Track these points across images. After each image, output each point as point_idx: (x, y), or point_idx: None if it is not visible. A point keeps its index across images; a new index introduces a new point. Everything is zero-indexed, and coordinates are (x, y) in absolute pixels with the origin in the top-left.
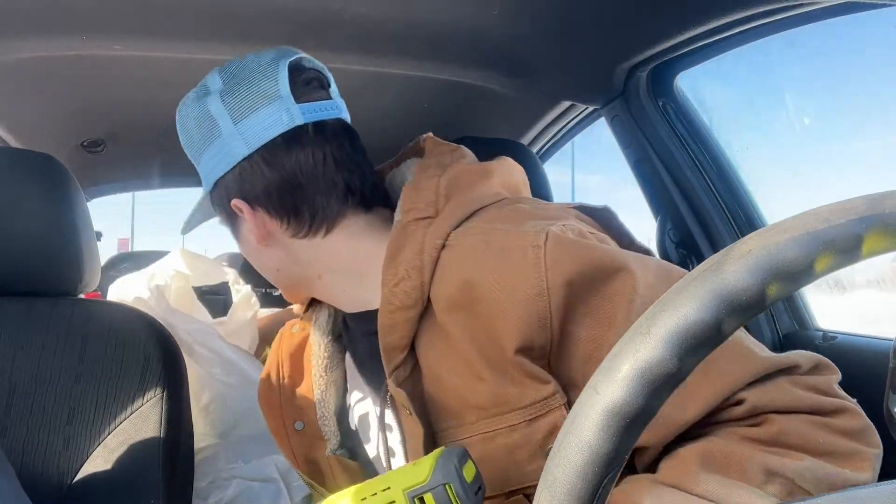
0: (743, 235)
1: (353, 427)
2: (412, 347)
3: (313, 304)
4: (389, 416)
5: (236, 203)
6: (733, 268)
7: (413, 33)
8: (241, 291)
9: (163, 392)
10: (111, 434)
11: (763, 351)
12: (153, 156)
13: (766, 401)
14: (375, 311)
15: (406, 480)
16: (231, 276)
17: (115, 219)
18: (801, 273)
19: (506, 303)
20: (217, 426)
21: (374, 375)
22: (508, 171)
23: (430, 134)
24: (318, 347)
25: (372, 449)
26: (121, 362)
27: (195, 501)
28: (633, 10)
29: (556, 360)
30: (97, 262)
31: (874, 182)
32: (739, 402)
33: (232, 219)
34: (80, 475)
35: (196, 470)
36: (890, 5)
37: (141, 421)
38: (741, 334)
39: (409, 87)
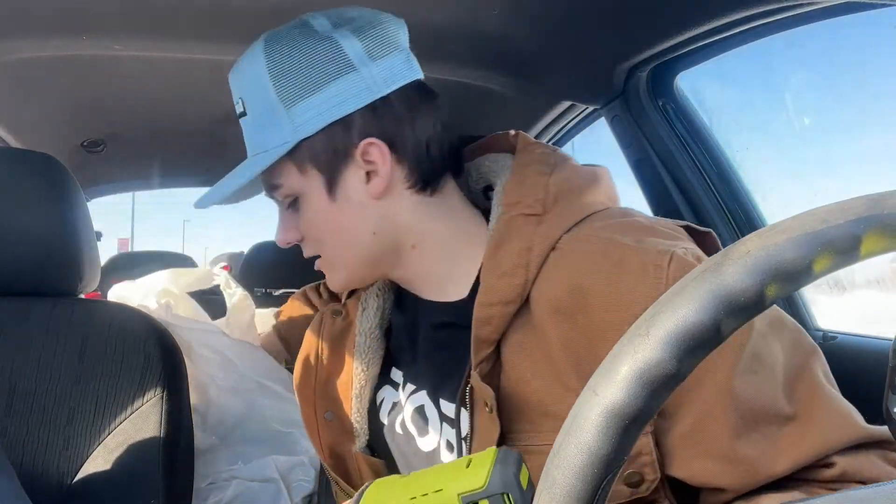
0: (743, 235)
1: (383, 422)
2: (497, 343)
3: (354, 293)
4: (456, 411)
5: (370, 142)
6: (732, 268)
7: (413, 33)
8: (235, 295)
9: (163, 392)
10: (111, 434)
11: (860, 418)
12: (153, 156)
13: (856, 469)
14: (452, 303)
15: (461, 484)
16: (222, 279)
17: (115, 219)
18: (800, 274)
19: (615, 317)
20: (217, 429)
21: (439, 368)
22: (610, 180)
23: (520, 131)
24: (363, 339)
25: (428, 443)
26: (121, 362)
27: (195, 502)
28: (633, 10)
29: None
30: (97, 262)
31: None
32: (830, 465)
33: (334, 166)
34: (80, 475)
35: (196, 470)
36: (890, 5)
37: (141, 421)
38: (838, 395)
39: None
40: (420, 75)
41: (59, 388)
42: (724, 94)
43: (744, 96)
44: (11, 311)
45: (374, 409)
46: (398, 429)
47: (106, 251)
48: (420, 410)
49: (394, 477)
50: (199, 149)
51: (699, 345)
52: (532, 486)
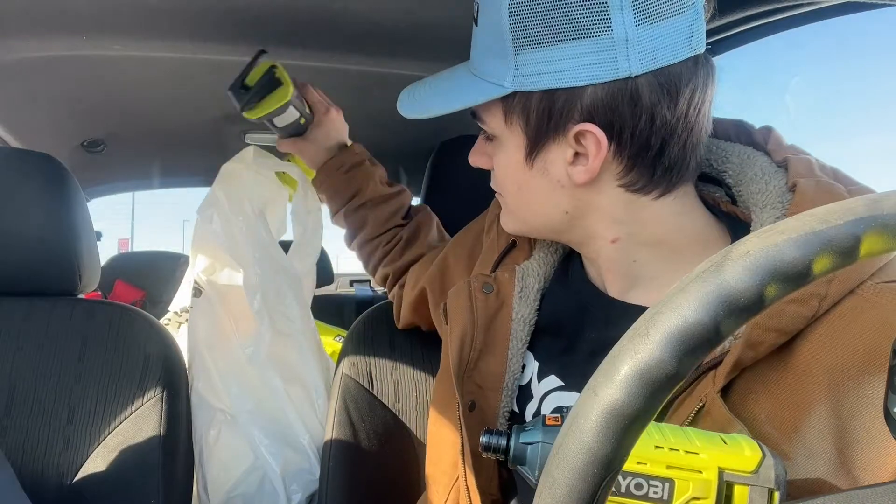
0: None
1: (526, 416)
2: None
3: (506, 262)
4: None
5: (588, 129)
6: (732, 268)
7: (413, 33)
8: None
9: (163, 392)
10: (111, 434)
11: None
12: (153, 156)
13: None
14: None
15: (726, 459)
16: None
17: (115, 219)
18: (800, 274)
19: None
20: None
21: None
22: None
23: (770, 127)
24: (521, 325)
25: None
26: (121, 362)
27: (195, 500)
28: None
29: None
30: (97, 262)
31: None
32: None
33: (541, 134)
34: (80, 475)
35: (202, 466)
36: (890, 5)
37: (141, 421)
38: None
39: None
40: (700, 49)
41: (59, 388)
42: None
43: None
44: (11, 311)
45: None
46: (528, 418)
47: (106, 251)
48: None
49: (658, 428)
50: (199, 149)
51: (699, 345)
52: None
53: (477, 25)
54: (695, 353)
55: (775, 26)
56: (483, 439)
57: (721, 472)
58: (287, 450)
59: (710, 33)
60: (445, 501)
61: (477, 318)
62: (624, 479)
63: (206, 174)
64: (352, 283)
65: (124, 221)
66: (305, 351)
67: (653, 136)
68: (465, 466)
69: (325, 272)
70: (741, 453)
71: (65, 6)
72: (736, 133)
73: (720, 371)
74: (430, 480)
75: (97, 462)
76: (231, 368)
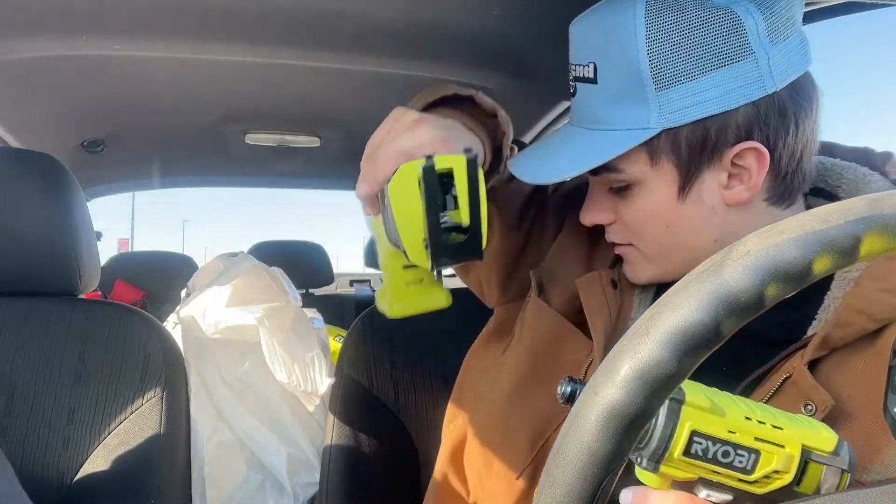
0: None
1: None
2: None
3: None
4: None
5: (750, 147)
6: (732, 269)
7: (413, 33)
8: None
9: (163, 392)
10: (111, 434)
11: None
12: (153, 156)
13: None
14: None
15: (808, 437)
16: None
17: (115, 219)
18: (800, 274)
19: None
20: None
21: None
22: None
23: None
24: None
25: None
26: (121, 362)
27: (195, 500)
28: None
29: None
30: (97, 262)
31: None
32: None
33: (696, 165)
34: (80, 475)
35: (203, 468)
36: (890, 5)
37: (141, 421)
38: None
39: (409, 87)
40: (812, 61)
41: (59, 388)
42: None
43: None
44: (11, 311)
45: None
46: None
47: (106, 251)
48: None
49: (711, 389)
50: (199, 149)
51: (699, 345)
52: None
53: (596, 83)
54: (695, 352)
55: None
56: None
57: (804, 449)
58: (287, 450)
59: None
60: (518, 478)
61: (612, 313)
62: (714, 444)
63: (206, 174)
64: (352, 283)
65: (124, 221)
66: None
67: (797, 143)
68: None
69: (325, 272)
70: (821, 434)
71: (65, 6)
72: (854, 156)
73: (808, 348)
74: (480, 458)
75: (97, 462)
76: (231, 373)
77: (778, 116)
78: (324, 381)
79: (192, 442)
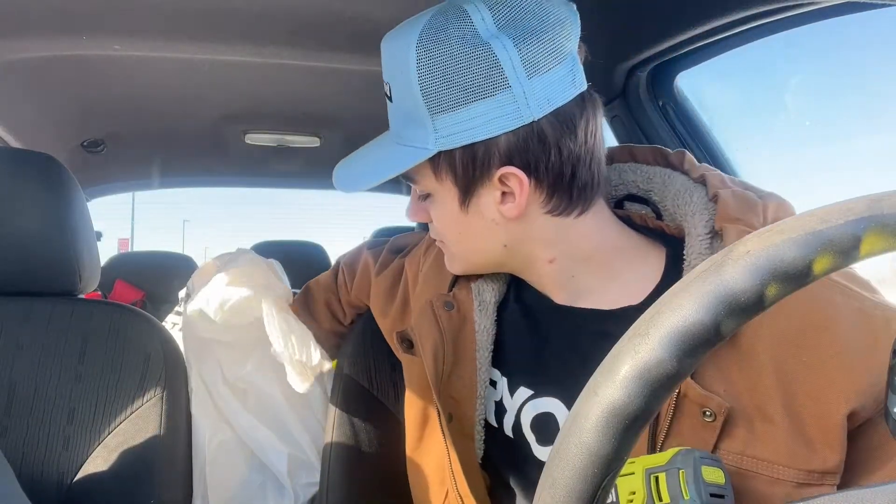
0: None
1: (505, 430)
2: None
3: (460, 281)
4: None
5: (510, 171)
6: (732, 268)
7: None
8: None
9: (163, 392)
10: (111, 434)
11: None
12: (153, 156)
13: None
14: (609, 312)
15: (649, 461)
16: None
17: (115, 219)
18: (800, 274)
19: (858, 361)
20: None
21: (578, 374)
22: None
23: (683, 150)
24: (484, 336)
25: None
26: (121, 362)
27: (196, 500)
28: (633, 11)
29: (854, 439)
30: (97, 262)
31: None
32: None
33: (469, 183)
34: (80, 475)
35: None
36: (890, 5)
37: (141, 421)
38: None
39: None
40: (583, 87)
41: (59, 388)
42: (724, 94)
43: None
44: (11, 311)
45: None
46: (508, 432)
47: (106, 251)
48: (546, 417)
49: None
50: (199, 149)
51: (699, 345)
52: (723, 489)
53: (392, 102)
54: (695, 352)
55: (775, 26)
56: None
57: (646, 469)
58: (288, 450)
59: (710, 33)
60: None
61: (444, 334)
62: None
63: (206, 174)
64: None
65: (124, 221)
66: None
67: (563, 164)
68: (453, 476)
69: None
70: (665, 454)
71: (65, 6)
72: (654, 157)
73: None
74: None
75: (97, 462)
76: (232, 372)
77: (538, 142)
78: (316, 355)
79: (193, 442)
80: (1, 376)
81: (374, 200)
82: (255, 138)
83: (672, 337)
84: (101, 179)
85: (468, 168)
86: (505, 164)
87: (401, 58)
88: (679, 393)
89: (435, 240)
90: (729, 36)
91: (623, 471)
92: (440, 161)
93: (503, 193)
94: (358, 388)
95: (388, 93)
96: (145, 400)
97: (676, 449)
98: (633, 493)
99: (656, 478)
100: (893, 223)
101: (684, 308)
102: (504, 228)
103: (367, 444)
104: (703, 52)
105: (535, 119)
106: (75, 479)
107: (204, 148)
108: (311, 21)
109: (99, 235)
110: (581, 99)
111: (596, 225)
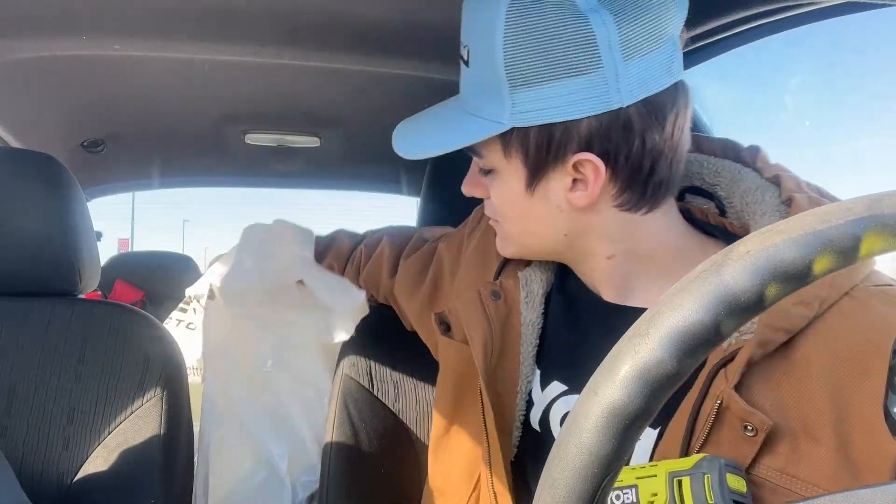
0: None
1: (532, 423)
2: None
3: (507, 268)
4: (689, 425)
5: (586, 158)
6: (732, 268)
7: (413, 33)
8: None
9: (163, 392)
10: (111, 434)
11: None
12: (153, 156)
13: None
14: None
15: (672, 465)
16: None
17: (115, 219)
18: (800, 274)
19: None
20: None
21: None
22: None
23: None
24: (529, 330)
25: None
26: (121, 362)
27: (196, 499)
28: None
29: None
30: (97, 262)
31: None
32: None
33: (540, 166)
34: (80, 475)
35: (202, 462)
36: (890, 5)
37: (141, 421)
38: None
39: (409, 87)
40: (679, 76)
41: (59, 388)
42: (724, 93)
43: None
44: (11, 311)
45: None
46: (535, 426)
47: (106, 251)
48: None
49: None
50: (199, 149)
51: (699, 345)
52: (744, 497)
53: (468, 66)
54: (695, 352)
55: (775, 26)
56: None
57: (669, 472)
58: (291, 450)
59: (710, 33)
60: None
61: (493, 325)
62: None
63: (206, 174)
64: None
65: (124, 221)
66: (317, 353)
67: (644, 158)
68: (491, 473)
69: None
70: (690, 459)
71: (65, 6)
72: (723, 151)
73: (732, 368)
74: (438, 494)
75: (97, 462)
76: (243, 370)
77: (622, 131)
78: (360, 294)
79: (194, 434)
80: (1, 376)
81: (374, 201)
82: (255, 138)
83: (672, 337)
84: (101, 179)
85: (542, 149)
86: (582, 149)
87: (487, 20)
88: (721, 403)
89: (480, 220)
90: (729, 36)
91: (645, 473)
92: (512, 138)
93: (574, 180)
94: (358, 388)
95: (465, 56)
96: (145, 400)
97: (701, 454)
98: (655, 495)
99: (679, 481)
100: (893, 223)
101: (684, 308)
102: (568, 217)
103: (367, 444)
104: (704, 51)
105: (624, 105)
106: (75, 479)
107: (204, 148)
108: (311, 21)
109: (99, 235)
110: (675, 89)
111: (663, 224)
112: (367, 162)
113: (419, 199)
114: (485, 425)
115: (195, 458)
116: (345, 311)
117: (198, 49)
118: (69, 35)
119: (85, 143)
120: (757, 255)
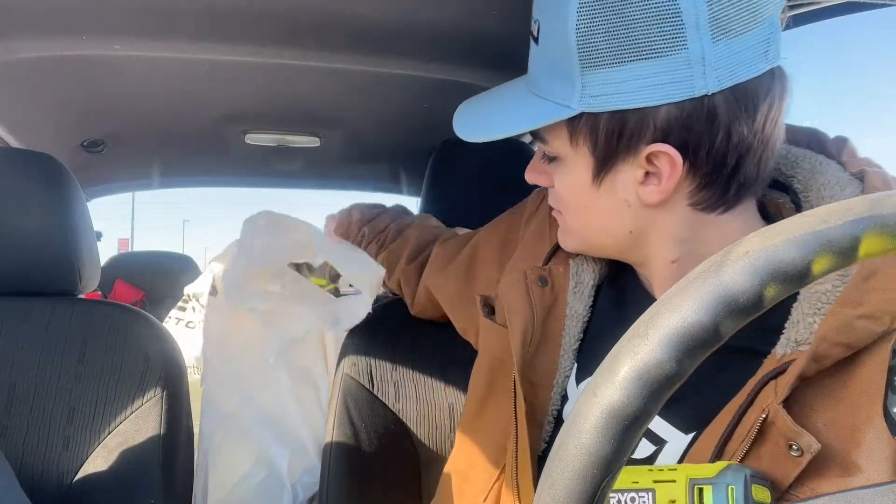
0: None
1: (563, 419)
2: None
3: (558, 254)
4: (722, 438)
5: (662, 150)
6: (732, 269)
7: (413, 33)
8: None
9: (163, 392)
10: (111, 434)
11: None
12: (153, 156)
13: None
14: None
15: (694, 471)
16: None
17: (115, 219)
18: (800, 274)
19: None
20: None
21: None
22: None
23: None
24: (574, 321)
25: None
26: (120, 362)
27: (196, 499)
28: None
29: None
30: (97, 262)
31: None
32: None
33: (610, 155)
34: (80, 475)
35: (202, 462)
36: (890, 5)
37: (141, 421)
38: None
39: (409, 87)
40: (776, 62)
41: (59, 387)
42: None
43: None
44: (11, 311)
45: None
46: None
47: (106, 251)
48: None
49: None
50: (199, 149)
51: (698, 345)
52: None
53: (537, 44)
54: (694, 353)
55: None
56: None
57: (690, 479)
58: (291, 450)
59: None
60: (484, 500)
61: (536, 311)
62: (623, 494)
63: (206, 174)
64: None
65: (124, 221)
66: (318, 353)
67: (729, 153)
68: (517, 465)
69: None
70: (713, 467)
71: (65, 6)
72: (807, 140)
73: (782, 382)
74: (460, 478)
75: (97, 462)
76: (243, 369)
77: (705, 122)
78: (380, 269)
79: (194, 435)
80: (1, 376)
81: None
82: (255, 138)
83: (671, 338)
84: (101, 179)
85: (612, 138)
86: (658, 140)
87: None
88: (766, 418)
89: (539, 205)
90: None
91: (663, 476)
92: (580, 124)
93: (647, 174)
94: (358, 388)
95: (535, 33)
96: (145, 400)
97: (725, 462)
98: (673, 502)
99: (700, 490)
100: (893, 223)
101: (683, 309)
102: (635, 213)
103: (367, 444)
104: None
105: (709, 93)
106: (75, 479)
107: (204, 148)
108: (311, 21)
109: (99, 235)
110: (770, 77)
111: (739, 226)
112: (367, 162)
113: (419, 199)
114: (515, 415)
115: (195, 458)
116: (365, 283)
117: (198, 49)
118: (69, 35)
119: (85, 143)
120: (756, 255)
